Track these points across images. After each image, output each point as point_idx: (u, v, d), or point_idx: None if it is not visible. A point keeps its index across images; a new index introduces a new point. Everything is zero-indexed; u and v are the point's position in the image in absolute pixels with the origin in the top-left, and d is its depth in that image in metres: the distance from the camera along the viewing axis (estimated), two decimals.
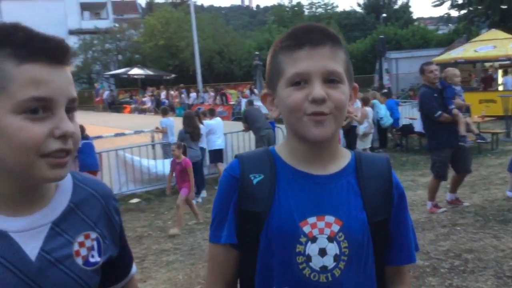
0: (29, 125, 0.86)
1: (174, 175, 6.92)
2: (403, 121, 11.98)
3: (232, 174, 1.17)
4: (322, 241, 1.09)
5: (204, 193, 8.44)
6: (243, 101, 18.39)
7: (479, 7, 26.49)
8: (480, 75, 18.32)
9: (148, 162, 9.00)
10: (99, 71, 35.70)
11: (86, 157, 7.98)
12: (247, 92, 22.73)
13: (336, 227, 1.10)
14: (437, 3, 28.96)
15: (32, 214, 0.95)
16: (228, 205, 1.16)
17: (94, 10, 44.33)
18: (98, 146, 8.77)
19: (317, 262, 1.08)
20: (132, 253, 1.21)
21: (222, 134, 9.32)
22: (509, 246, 4.49)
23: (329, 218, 1.10)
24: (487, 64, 18.72)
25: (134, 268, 1.20)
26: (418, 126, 10.43)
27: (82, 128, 8.34)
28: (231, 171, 1.17)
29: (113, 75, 33.66)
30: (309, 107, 1.05)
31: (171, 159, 7.13)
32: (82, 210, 1.02)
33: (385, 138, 11.68)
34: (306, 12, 41.91)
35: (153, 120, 12.80)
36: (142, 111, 25.37)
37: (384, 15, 40.73)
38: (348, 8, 55.14)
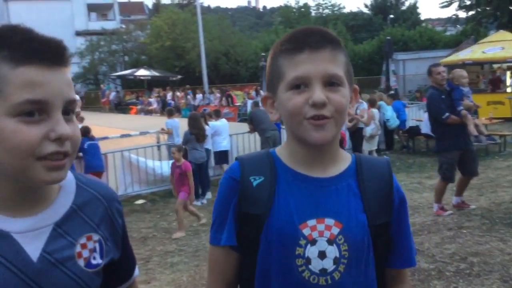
0: (23, 128, 0.86)
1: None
2: (410, 123, 11.93)
3: (232, 176, 1.17)
4: (321, 243, 1.09)
5: (209, 195, 8.44)
6: (249, 103, 18.38)
7: (487, 8, 26.32)
8: (488, 76, 18.20)
9: (154, 163, 9.01)
10: (105, 72, 35.86)
11: (91, 158, 8.00)
12: (253, 93, 22.73)
13: (336, 230, 1.09)
14: (445, 4, 28.82)
15: (34, 215, 0.95)
16: (228, 207, 1.16)
17: (101, 11, 44.54)
18: (103, 147, 8.80)
19: (316, 265, 1.08)
20: (135, 256, 1.21)
21: (228, 135, 9.32)
22: None
23: (329, 221, 1.10)
24: (495, 66, 18.61)
25: (136, 271, 1.20)
26: (425, 128, 10.38)
27: (87, 129, 8.38)
28: (231, 173, 1.17)
29: (119, 76, 33.81)
30: (309, 111, 1.05)
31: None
32: (84, 212, 1.02)
33: (392, 140, 11.63)
34: (313, 13, 41.84)
35: (159, 121, 12.81)
36: (148, 112, 25.45)
37: (392, 16, 40.59)
38: (355, 9, 55.19)
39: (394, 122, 11.11)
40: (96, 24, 40.51)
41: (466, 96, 5.94)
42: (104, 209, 1.06)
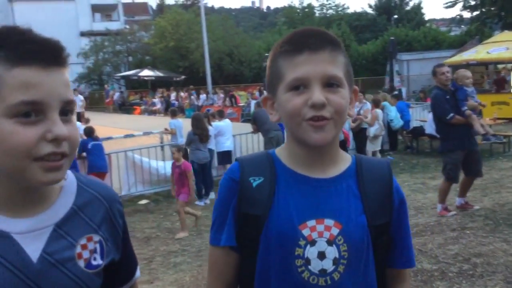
0: (20, 129, 0.86)
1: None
2: (414, 123, 11.90)
3: (232, 177, 1.17)
4: (321, 244, 1.09)
5: (212, 195, 8.45)
6: (253, 103, 18.39)
7: (492, 8, 26.22)
8: (493, 77, 18.13)
9: (157, 163, 9.04)
10: (109, 72, 35.92)
11: (95, 158, 8.03)
12: (256, 93, 22.72)
13: (335, 231, 1.10)
14: (449, 4, 28.73)
15: (35, 215, 0.95)
16: (228, 207, 1.16)
17: (105, 12, 44.63)
18: (107, 147, 8.84)
19: (316, 265, 1.08)
20: (136, 258, 1.21)
21: (231, 135, 9.33)
22: None
23: (329, 222, 1.10)
24: (500, 66, 18.53)
25: (137, 273, 1.20)
26: (429, 129, 10.35)
27: (91, 130, 8.41)
28: (231, 174, 1.18)
29: (123, 77, 33.85)
30: (309, 112, 1.05)
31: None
32: (85, 213, 1.02)
33: (396, 140, 11.61)
34: (317, 13, 41.77)
35: (163, 122, 12.84)
36: (152, 113, 25.49)
37: (396, 16, 40.48)
38: (359, 10, 55.04)
39: (398, 123, 11.08)
40: (100, 25, 40.60)
41: (471, 96, 5.92)
42: (105, 210, 1.06)
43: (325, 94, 1.05)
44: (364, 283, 1.13)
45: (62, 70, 0.91)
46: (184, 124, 10.10)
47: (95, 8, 42.95)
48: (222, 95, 24.16)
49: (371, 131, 9.70)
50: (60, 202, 0.99)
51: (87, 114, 18.40)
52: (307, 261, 1.08)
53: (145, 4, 52.83)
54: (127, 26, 38.52)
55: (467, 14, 29.28)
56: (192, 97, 25.63)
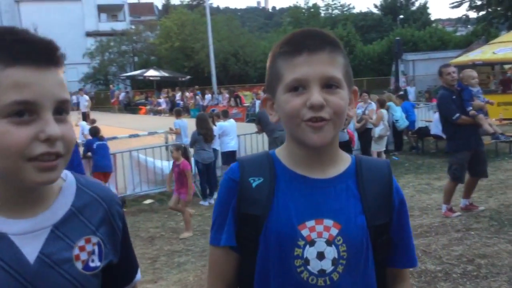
0: (13, 129, 0.86)
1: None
2: (419, 124, 11.85)
3: (232, 177, 1.18)
4: (320, 244, 1.09)
5: (216, 195, 8.44)
6: (257, 103, 18.40)
7: (498, 8, 26.07)
8: (499, 77, 18.03)
9: (162, 163, 9.05)
10: (115, 72, 36.09)
11: (100, 158, 8.06)
12: (261, 94, 22.71)
13: (334, 231, 1.10)
14: (455, 4, 28.60)
15: (32, 217, 0.95)
16: (228, 208, 1.16)
17: (111, 12, 44.81)
18: (112, 147, 8.87)
19: (315, 266, 1.09)
20: (137, 261, 1.20)
21: (236, 135, 9.33)
22: None
23: (328, 222, 1.10)
24: (506, 67, 18.44)
25: (138, 276, 1.19)
26: (434, 129, 10.31)
27: (97, 130, 8.45)
28: (231, 174, 1.18)
29: (129, 77, 34.01)
30: (307, 113, 1.05)
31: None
32: (84, 214, 1.01)
33: (401, 140, 11.57)
34: (322, 13, 41.71)
35: (168, 122, 12.87)
36: (157, 113, 25.57)
37: (402, 16, 40.36)
38: (364, 10, 54.87)
39: (403, 123, 11.04)
40: (106, 25, 40.80)
41: (476, 96, 5.89)
42: (104, 212, 1.05)
43: (323, 95, 1.05)
44: (363, 283, 1.13)
45: (56, 70, 0.91)
46: (189, 124, 10.11)
47: (101, 9, 43.16)
48: (227, 95, 24.20)
49: (376, 131, 9.67)
50: (58, 203, 0.99)
51: (93, 114, 18.50)
52: (306, 261, 1.09)
53: (150, 4, 53.00)
54: (133, 26, 38.66)
55: (473, 14, 29.16)
56: (197, 97, 25.69)
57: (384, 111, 9.99)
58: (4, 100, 0.86)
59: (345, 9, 43.02)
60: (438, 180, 7.94)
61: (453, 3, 28.63)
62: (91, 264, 1.00)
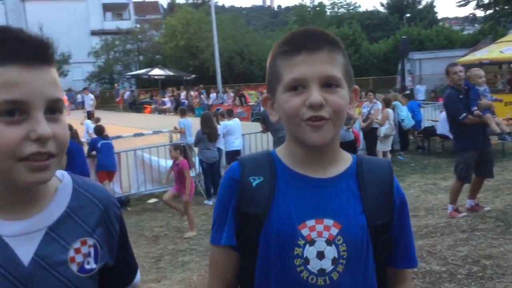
0: (3, 129, 0.85)
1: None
2: (425, 123, 11.79)
3: (232, 177, 1.18)
4: (320, 244, 1.09)
5: None
6: None
7: (506, 7, 25.91)
8: (506, 76, 17.91)
9: (166, 162, 9.04)
10: (120, 71, 36.20)
11: (104, 157, 8.08)
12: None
13: (334, 230, 1.10)
14: (462, 3, 28.46)
15: (27, 218, 0.94)
16: (228, 207, 1.17)
17: (116, 11, 44.94)
18: (117, 146, 8.89)
19: (315, 265, 1.09)
20: (136, 263, 1.19)
21: (240, 135, 9.31)
22: None
23: (328, 221, 1.10)
24: None
25: (137, 278, 1.18)
26: (440, 128, 10.25)
27: (101, 128, 8.47)
28: (232, 174, 1.19)
29: (134, 76, 34.09)
30: (307, 112, 1.05)
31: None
32: (79, 216, 1.00)
33: (407, 140, 11.51)
34: (328, 12, 41.64)
35: (173, 121, 12.88)
36: (162, 112, 25.62)
37: (408, 15, 40.20)
38: (371, 8, 54.74)
39: (409, 122, 10.98)
40: (111, 24, 40.91)
41: (483, 95, 5.84)
42: (100, 213, 1.03)
43: (323, 94, 1.05)
44: (363, 283, 1.13)
45: (48, 69, 0.90)
46: (194, 123, 10.11)
47: (106, 7, 43.28)
48: (232, 94, 24.20)
49: (382, 130, 9.62)
50: (54, 204, 0.98)
51: (98, 113, 18.56)
52: (306, 261, 1.09)
53: (156, 3, 53.05)
54: (138, 25, 38.72)
55: (480, 13, 29.01)
56: (202, 96, 25.71)
57: (390, 111, 9.93)
58: None
59: (351, 7, 42.97)
60: (444, 180, 7.89)
61: (460, 1, 28.51)
62: (87, 267, 0.99)
